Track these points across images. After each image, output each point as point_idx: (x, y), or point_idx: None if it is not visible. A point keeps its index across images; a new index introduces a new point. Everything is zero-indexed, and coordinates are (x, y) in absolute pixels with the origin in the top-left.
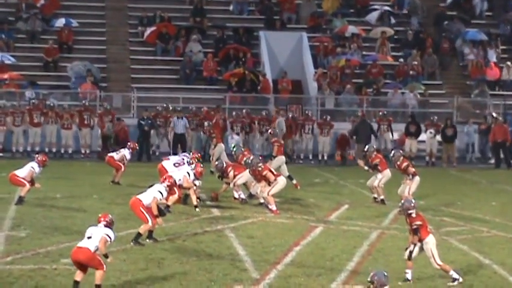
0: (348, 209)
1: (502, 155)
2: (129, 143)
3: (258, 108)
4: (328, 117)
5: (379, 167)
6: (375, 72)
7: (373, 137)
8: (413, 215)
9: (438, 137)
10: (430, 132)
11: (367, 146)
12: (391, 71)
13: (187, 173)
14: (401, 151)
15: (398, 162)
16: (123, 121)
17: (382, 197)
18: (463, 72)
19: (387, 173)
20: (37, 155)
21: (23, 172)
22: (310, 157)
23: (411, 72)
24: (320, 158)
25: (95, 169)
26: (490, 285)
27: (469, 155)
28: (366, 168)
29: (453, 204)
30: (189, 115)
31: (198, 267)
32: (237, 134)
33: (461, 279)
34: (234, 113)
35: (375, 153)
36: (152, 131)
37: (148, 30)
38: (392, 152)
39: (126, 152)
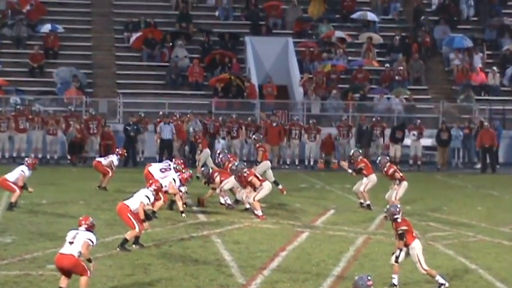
0: (334, 214)
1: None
2: (117, 150)
3: (244, 113)
4: (314, 121)
5: (364, 172)
6: (361, 78)
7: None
8: (399, 220)
9: (422, 141)
10: (413, 135)
11: (352, 150)
12: (376, 76)
13: (173, 179)
14: (387, 157)
15: (385, 168)
16: (109, 127)
17: (368, 202)
18: (448, 78)
19: (373, 177)
20: (26, 159)
21: (13, 176)
22: (297, 162)
23: (397, 77)
24: (306, 163)
25: (81, 175)
26: None
27: (454, 160)
28: (350, 171)
29: (439, 209)
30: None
31: (184, 273)
32: (223, 138)
33: (447, 284)
34: (220, 118)
35: (361, 157)
36: (138, 137)
37: (134, 36)
38: (379, 158)
39: (114, 158)
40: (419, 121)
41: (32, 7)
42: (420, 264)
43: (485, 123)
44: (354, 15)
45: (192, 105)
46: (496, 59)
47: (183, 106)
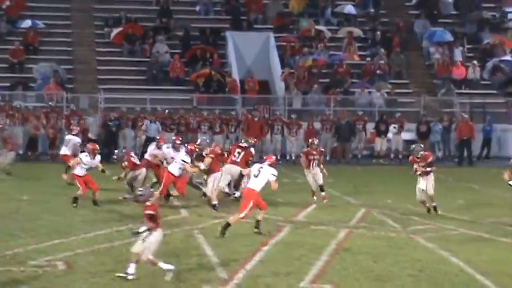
0: (315, 208)
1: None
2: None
3: (225, 108)
4: (295, 116)
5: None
6: (342, 72)
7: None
8: None
9: (403, 134)
10: (394, 128)
11: (413, 146)
12: (358, 70)
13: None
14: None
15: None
16: (86, 121)
17: (434, 203)
18: (429, 71)
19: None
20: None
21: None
22: (278, 157)
23: (378, 71)
24: (288, 157)
25: (63, 170)
26: (456, 283)
27: (435, 153)
28: (419, 172)
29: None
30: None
31: None
32: (204, 133)
33: None
34: (205, 113)
35: (422, 152)
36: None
37: (115, 31)
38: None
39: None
40: (399, 114)
41: (11, 3)
42: None
43: (465, 116)
44: (335, 9)
45: (173, 101)
46: (476, 53)
47: (164, 101)
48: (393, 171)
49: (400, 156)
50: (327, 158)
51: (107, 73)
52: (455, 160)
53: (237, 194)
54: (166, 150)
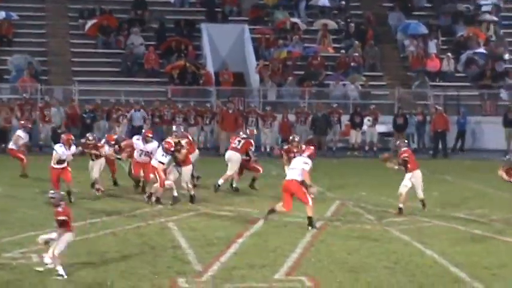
0: None
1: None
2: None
3: (200, 100)
4: (270, 108)
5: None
6: (317, 64)
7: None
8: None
9: (378, 127)
10: (368, 120)
11: (398, 141)
12: (332, 62)
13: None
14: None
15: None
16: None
17: (401, 205)
18: (403, 64)
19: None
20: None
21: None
22: (253, 149)
23: (352, 63)
24: (263, 150)
25: (37, 163)
26: (431, 275)
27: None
28: (396, 167)
29: (394, 195)
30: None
31: (141, 261)
32: (180, 125)
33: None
34: (180, 105)
35: (405, 148)
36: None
37: (89, 23)
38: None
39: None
40: (373, 107)
41: None
42: None
43: (439, 108)
44: (310, 2)
45: (148, 93)
46: (450, 45)
47: (139, 93)
48: (368, 164)
49: (375, 148)
50: None
51: (82, 65)
52: (430, 152)
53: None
54: (136, 141)
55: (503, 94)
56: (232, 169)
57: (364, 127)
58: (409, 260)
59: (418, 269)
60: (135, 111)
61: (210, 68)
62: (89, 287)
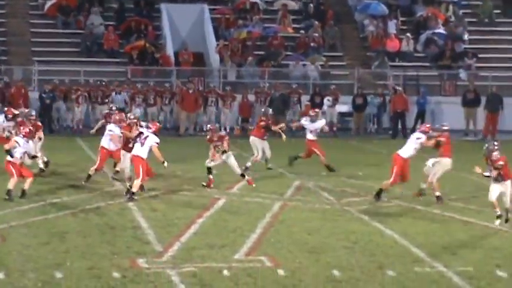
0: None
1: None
2: None
3: (160, 81)
4: (230, 88)
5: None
6: (276, 44)
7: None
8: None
9: (338, 107)
10: (328, 100)
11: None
12: (292, 43)
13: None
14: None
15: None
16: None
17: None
18: (363, 44)
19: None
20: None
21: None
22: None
23: (312, 44)
24: (223, 130)
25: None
26: (391, 255)
27: (369, 125)
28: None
29: (354, 175)
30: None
31: (101, 241)
32: (138, 105)
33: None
34: (139, 86)
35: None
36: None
37: (49, 3)
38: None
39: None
40: (334, 87)
41: None
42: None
43: (399, 89)
44: None
45: (108, 73)
46: (410, 26)
47: (98, 74)
48: (327, 144)
49: (335, 128)
50: None
51: (41, 45)
52: (390, 133)
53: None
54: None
55: (462, 74)
56: (259, 151)
57: (324, 107)
58: (368, 239)
59: (378, 249)
60: (115, 93)
61: (170, 48)
62: (49, 267)
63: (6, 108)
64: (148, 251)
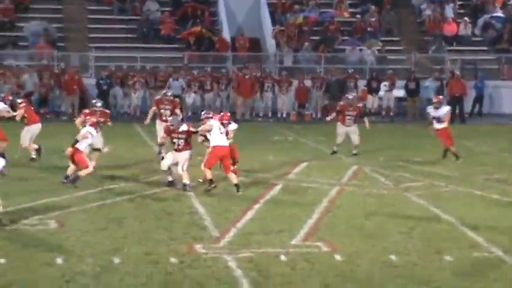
0: (307, 166)
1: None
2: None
3: (216, 66)
4: (286, 73)
5: None
6: (333, 29)
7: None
8: None
9: (395, 92)
10: (385, 85)
11: None
12: (348, 27)
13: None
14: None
15: None
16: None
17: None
18: (420, 28)
19: None
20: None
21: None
22: (270, 115)
23: (369, 28)
24: (279, 115)
25: (53, 130)
26: (448, 240)
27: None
28: None
29: (412, 160)
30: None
31: (158, 226)
32: (195, 92)
33: None
34: (195, 72)
35: None
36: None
37: None
38: None
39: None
40: (390, 72)
41: None
42: None
43: (457, 73)
44: None
45: (164, 59)
46: (468, 9)
47: (155, 60)
48: (385, 129)
49: (392, 113)
50: (318, 116)
51: (98, 31)
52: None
53: None
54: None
55: None
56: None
57: (381, 92)
58: (426, 224)
59: (435, 234)
60: (173, 80)
61: (226, 33)
62: (106, 252)
63: (3, 95)
64: (205, 236)
